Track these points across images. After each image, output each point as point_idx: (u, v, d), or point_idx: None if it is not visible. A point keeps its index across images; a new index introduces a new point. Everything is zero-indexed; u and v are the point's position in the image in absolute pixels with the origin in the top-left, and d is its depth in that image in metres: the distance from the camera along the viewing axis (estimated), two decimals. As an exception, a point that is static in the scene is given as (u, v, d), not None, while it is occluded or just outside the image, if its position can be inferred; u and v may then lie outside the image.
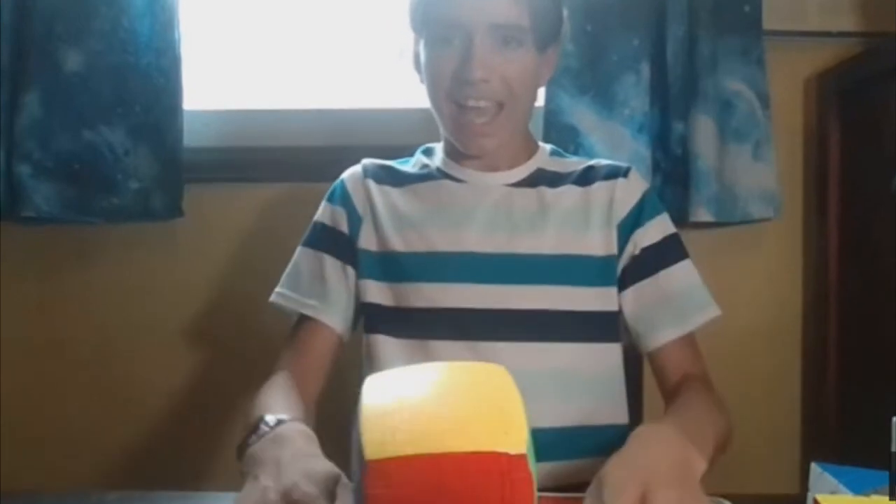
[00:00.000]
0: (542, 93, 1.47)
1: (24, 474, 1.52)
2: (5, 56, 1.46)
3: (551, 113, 1.48)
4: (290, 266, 1.12)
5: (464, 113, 1.03)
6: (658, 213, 1.09)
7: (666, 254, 1.07)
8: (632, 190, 1.08)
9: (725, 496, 0.76)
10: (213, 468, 1.55)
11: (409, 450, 0.52)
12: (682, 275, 1.07)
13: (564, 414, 1.02)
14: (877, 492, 0.63)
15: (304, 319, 1.09)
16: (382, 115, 1.60)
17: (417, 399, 0.58)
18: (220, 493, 0.83)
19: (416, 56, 1.08)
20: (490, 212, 1.07)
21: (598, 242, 1.06)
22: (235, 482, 0.80)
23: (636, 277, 1.06)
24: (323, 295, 1.08)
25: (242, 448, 0.81)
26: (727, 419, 0.99)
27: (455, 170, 1.11)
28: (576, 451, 1.01)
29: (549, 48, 1.07)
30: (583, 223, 1.06)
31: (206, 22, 1.63)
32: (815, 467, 0.68)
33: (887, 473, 0.61)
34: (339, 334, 1.09)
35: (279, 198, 1.57)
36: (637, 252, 1.06)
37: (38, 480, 1.54)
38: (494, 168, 1.09)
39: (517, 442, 0.53)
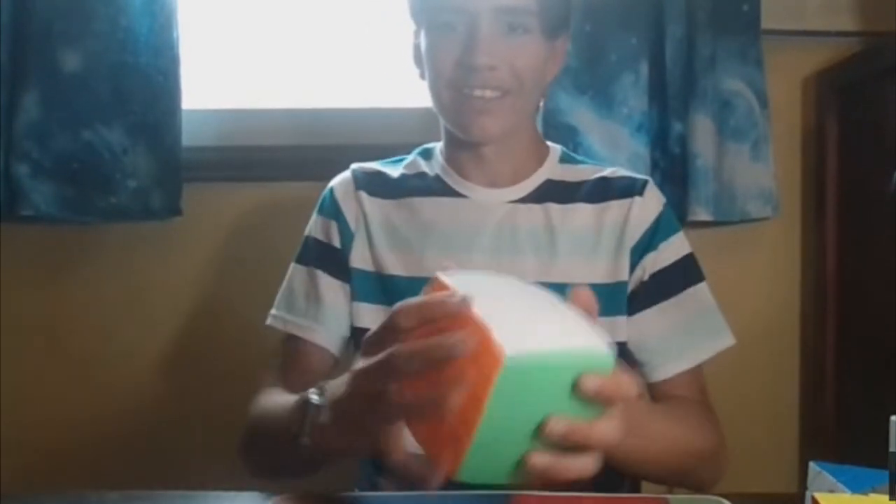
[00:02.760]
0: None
1: (24, 473, 1.51)
2: (4, 56, 1.45)
3: (550, 112, 1.48)
4: (283, 284, 1.07)
5: (466, 99, 0.96)
6: (672, 233, 1.02)
7: (678, 279, 1.01)
8: (647, 210, 1.01)
9: (724, 495, 0.76)
10: (214, 467, 1.55)
11: None
12: (693, 301, 1.01)
13: None
14: (875, 490, 0.63)
15: (295, 339, 1.03)
16: (381, 115, 1.60)
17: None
18: (220, 493, 0.83)
19: (416, 48, 1.02)
20: (493, 234, 1.01)
21: (607, 269, 1.00)
22: (235, 481, 0.80)
23: (644, 304, 1.00)
24: (318, 314, 1.03)
25: (303, 429, 0.73)
26: (714, 438, 0.96)
27: (456, 182, 1.04)
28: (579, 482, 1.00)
29: (558, 38, 1.01)
30: (593, 248, 1.00)
31: (204, 22, 1.63)
32: (813, 466, 0.68)
33: (886, 472, 0.61)
34: (333, 355, 1.03)
35: (278, 197, 1.57)
36: (646, 278, 1.00)
37: (38, 479, 1.54)
38: (498, 182, 1.03)
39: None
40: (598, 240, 1.00)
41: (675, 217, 1.06)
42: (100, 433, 1.58)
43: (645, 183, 1.04)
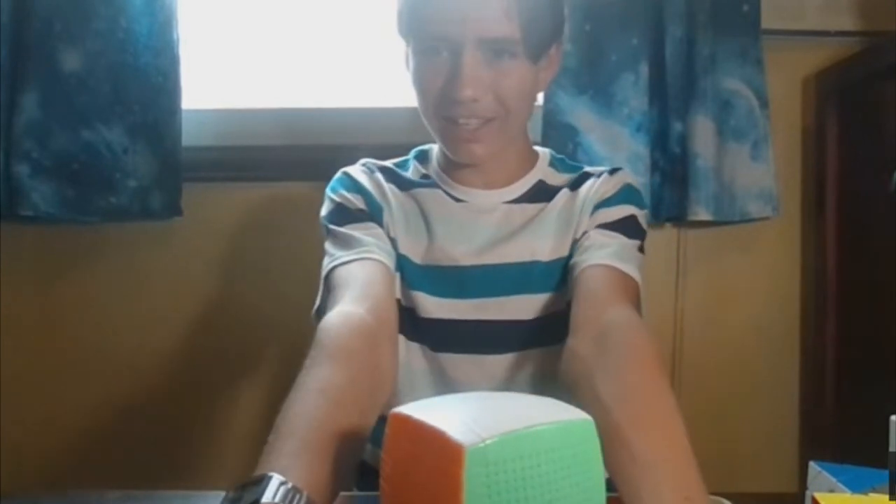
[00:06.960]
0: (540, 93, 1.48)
1: (24, 472, 1.52)
2: (4, 56, 1.46)
3: (550, 112, 1.48)
4: (327, 249, 1.01)
5: (454, 126, 0.98)
6: (631, 202, 1.03)
7: (622, 227, 1.00)
8: (615, 182, 1.04)
9: (724, 495, 0.76)
10: (214, 465, 1.56)
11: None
12: (630, 244, 1.00)
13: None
14: (875, 490, 0.63)
15: (349, 265, 0.96)
16: (381, 114, 1.60)
17: None
18: (219, 493, 0.82)
19: (407, 58, 1.03)
20: (492, 230, 1.04)
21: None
22: (235, 481, 0.79)
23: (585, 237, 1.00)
24: (376, 243, 0.99)
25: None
26: (659, 349, 0.87)
27: (452, 187, 1.06)
28: None
29: (546, 56, 1.01)
30: (570, 223, 1.03)
31: (204, 22, 1.63)
32: (813, 466, 0.68)
33: (885, 472, 0.61)
34: (392, 273, 0.99)
35: (277, 197, 1.57)
36: (591, 229, 1.01)
37: (38, 478, 1.54)
38: (492, 185, 1.05)
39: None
40: (573, 214, 1.03)
41: (641, 197, 1.06)
42: (99, 433, 1.58)
43: (619, 168, 1.07)
